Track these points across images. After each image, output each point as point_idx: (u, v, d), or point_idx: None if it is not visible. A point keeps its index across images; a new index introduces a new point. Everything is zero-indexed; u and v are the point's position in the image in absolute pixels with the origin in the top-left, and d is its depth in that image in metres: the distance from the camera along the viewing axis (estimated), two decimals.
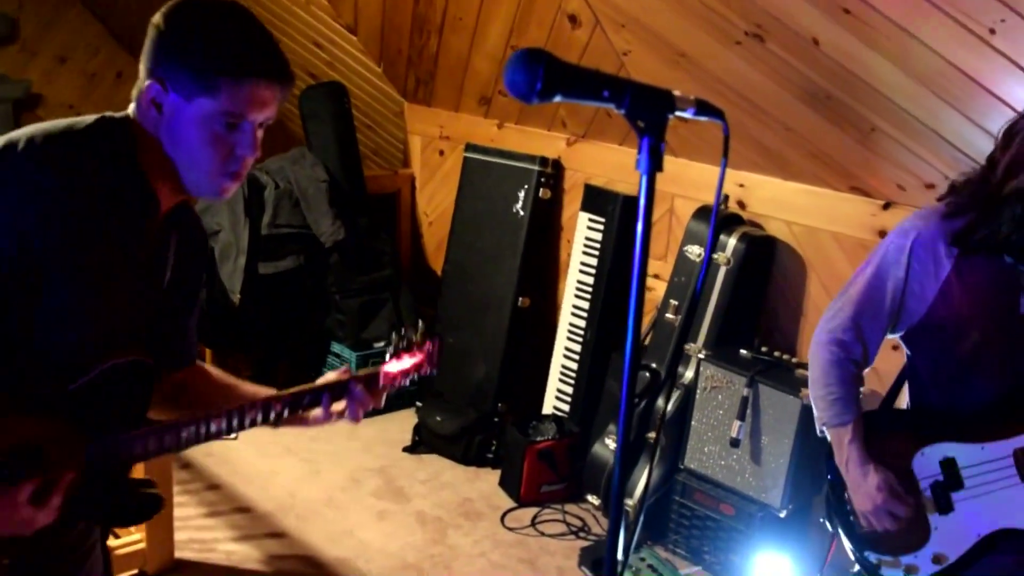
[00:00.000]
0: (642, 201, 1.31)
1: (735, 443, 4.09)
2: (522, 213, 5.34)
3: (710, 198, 4.63)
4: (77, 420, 1.66)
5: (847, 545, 2.47)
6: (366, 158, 6.55)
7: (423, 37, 5.54)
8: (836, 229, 4.29)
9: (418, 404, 5.56)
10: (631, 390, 1.32)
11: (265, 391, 1.96)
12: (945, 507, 2.37)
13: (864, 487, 2.35)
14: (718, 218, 4.49)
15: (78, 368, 1.67)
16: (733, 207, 4.66)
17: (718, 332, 4.42)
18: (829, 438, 2.47)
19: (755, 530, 4.06)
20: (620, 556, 1.27)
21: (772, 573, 3.89)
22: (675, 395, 4.45)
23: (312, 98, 5.94)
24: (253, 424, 1.86)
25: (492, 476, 5.11)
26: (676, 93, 1.34)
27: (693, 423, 4.29)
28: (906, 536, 2.38)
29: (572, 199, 5.43)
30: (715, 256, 4.45)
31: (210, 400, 1.92)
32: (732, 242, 4.42)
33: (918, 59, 3.25)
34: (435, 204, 6.34)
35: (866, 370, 2.54)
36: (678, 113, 1.32)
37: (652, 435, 4.49)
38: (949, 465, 2.37)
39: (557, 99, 1.27)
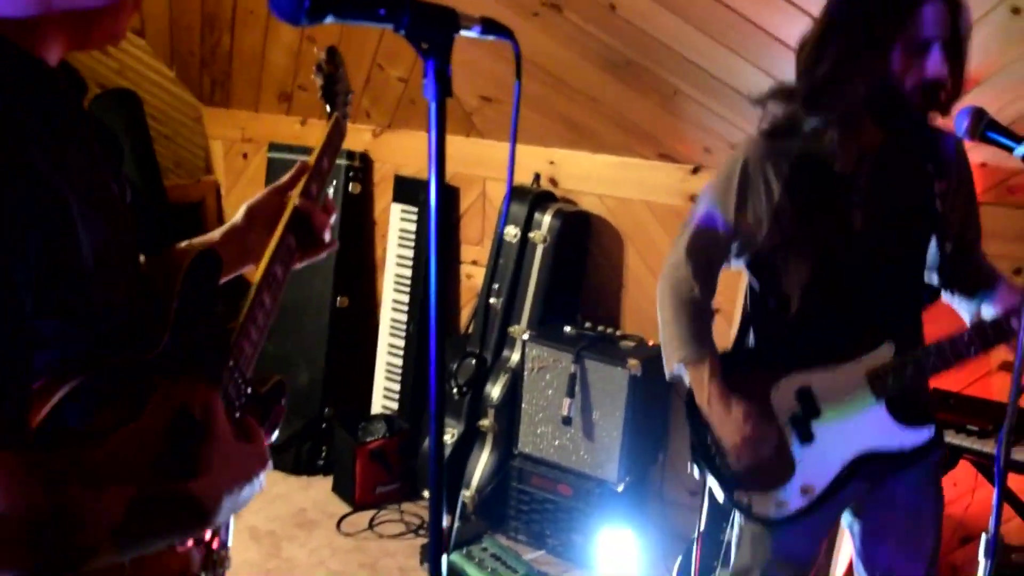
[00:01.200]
0: (433, 135, 1.19)
1: (567, 421, 4.04)
2: None
3: (520, 178, 4.56)
4: (180, 372, 1.40)
5: (716, 488, 2.43)
6: (168, 171, 6.23)
7: (214, 35, 5.31)
8: (648, 198, 4.29)
9: None
10: (440, 375, 1.21)
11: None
12: (806, 437, 2.35)
13: (729, 421, 2.31)
14: (531, 197, 4.45)
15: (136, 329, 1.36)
16: (546, 185, 4.61)
17: (541, 312, 4.38)
18: (687, 379, 2.40)
19: (594, 507, 4.02)
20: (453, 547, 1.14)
21: (615, 548, 3.85)
22: (503, 379, 4.37)
23: (101, 109, 5.61)
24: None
25: (325, 483, 4.94)
26: (462, 12, 1.22)
27: (524, 406, 4.22)
28: (773, 471, 2.36)
29: (383, 192, 5.30)
30: (531, 235, 4.40)
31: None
32: (547, 220, 4.38)
33: (711, 15, 3.26)
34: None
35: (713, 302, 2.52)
36: (463, 32, 1.21)
37: (484, 423, 4.39)
38: (805, 395, 2.35)
39: (329, 20, 1.13)
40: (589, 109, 4.14)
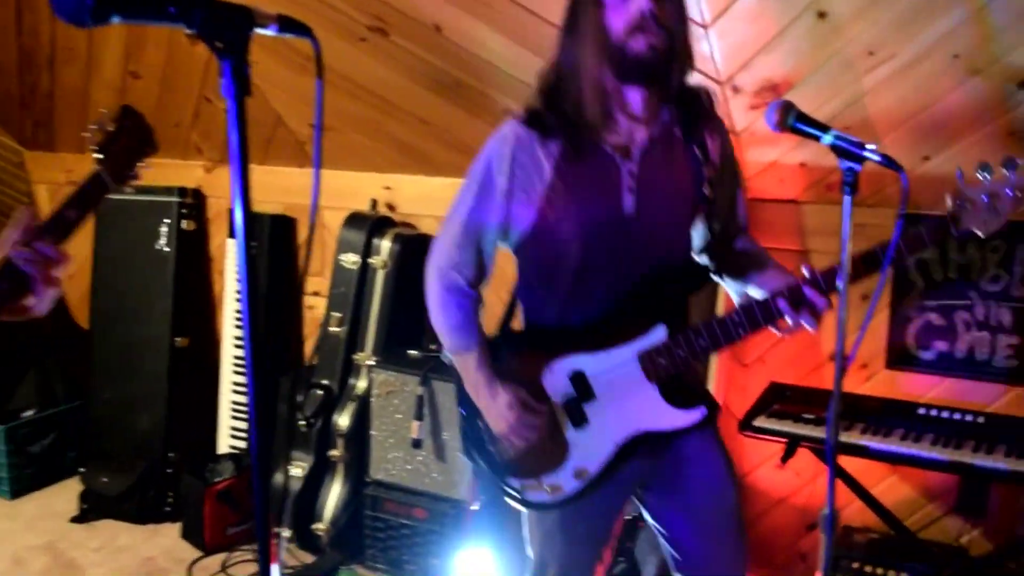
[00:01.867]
0: (234, 136, 1.16)
1: (417, 444, 4.00)
2: (167, 249, 5.04)
3: (357, 204, 4.53)
4: None
5: (490, 477, 2.43)
6: None
7: (33, 73, 5.12)
8: None
9: (81, 470, 5.11)
10: (262, 411, 1.18)
11: None
12: (579, 420, 2.34)
13: (495, 407, 2.31)
14: (370, 223, 4.43)
15: None
16: (383, 210, 4.59)
17: (385, 337, 4.35)
18: (458, 370, 2.41)
19: (450, 528, 3.97)
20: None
21: (473, 568, 3.81)
22: (351, 407, 4.31)
23: None
24: None
25: (173, 529, 4.77)
26: (257, 9, 1.20)
27: (373, 432, 4.16)
28: (545, 455, 2.35)
29: (218, 228, 5.20)
30: (371, 261, 4.37)
31: None
32: (386, 244, 4.36)
33: (533, 31, 3.27)
34: (73, 254, 5.81)
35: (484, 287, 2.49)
36: (259, 30, 1.19)
37: (335, 453, 4.31)
38: (578, 377, 2.33)
39: (116, 20, 1.10)
40: (422, 132, 4.13)
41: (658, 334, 2.30)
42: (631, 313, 2.30)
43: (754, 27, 3.21)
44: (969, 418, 3.23)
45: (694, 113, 2.29)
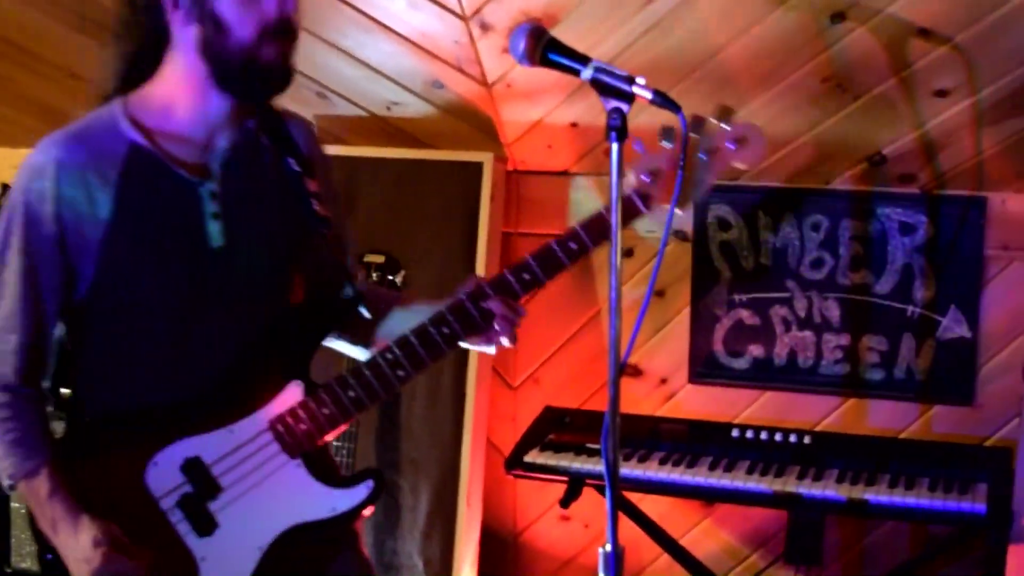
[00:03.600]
0: None
1: None
2: None
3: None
4: None
5: None
6: None
7: None
8: None
9: None
10: None
11: None
12: (205, 526, 2.04)
13: (78, 549, 1.96)
14: None
15: None
16: None
17: None
18: (27, 500, 2.05)
19: None
20: None
21: None
22: None
23: None
24: None
25: None
26: None
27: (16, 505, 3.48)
28: None
29: None
30: None
31: None
32: None
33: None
34: None
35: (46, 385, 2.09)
36: None
37: None
38: (194, 467, 2.03)
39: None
40: (72, 89, 3.48)
41: (292, 393, 2.06)
42: (250, 374, 2.07)
43: None
44: (794, 439, 2.99)
45: (279, 121, 2.10)
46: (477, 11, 2.97)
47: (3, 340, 2.00)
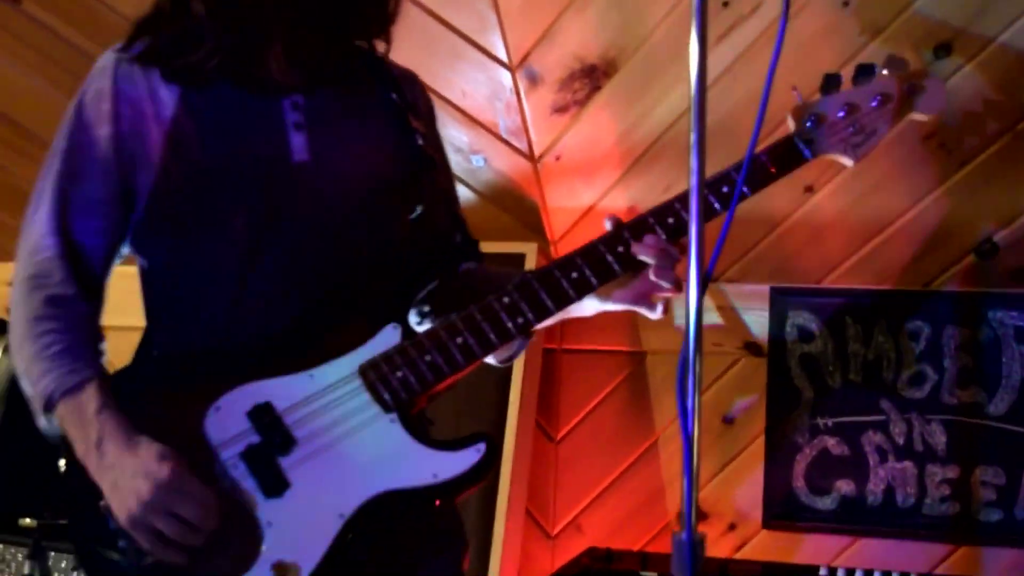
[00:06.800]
0: None
1: None
2: None
3: None
4: None
5: None
6: None
7: None
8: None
9: None
10: None
11: None
12: (275, 485, 1.83)
13: (135, 463, 1.72)
14: None
15: None
16: (3, 315, 3.47)
17: None
18: (62, 427, 1.80)
19: None
20: None
21: None
22: None
23: None
24: None
25: None
26: None
27: None
28: (219, 552, 1.76)
29: None
30: None
31: None
32: None
33: None
34: None
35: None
36: None
37: None
38: (263, 415, 1.84)
39: None
40: None
41: (388, 336, 1.91)
42: (337, 312, 1.93)
43: None
44: None
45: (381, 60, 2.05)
46: (524, 59, 2.81)
47: (44, 247, 1.87)
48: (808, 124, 1.93)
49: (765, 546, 3.01)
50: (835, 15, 2.60)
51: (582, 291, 1.86)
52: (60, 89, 3.12)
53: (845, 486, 2.93)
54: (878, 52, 2.57)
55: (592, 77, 2.82)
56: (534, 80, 2.86)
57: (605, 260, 1.84)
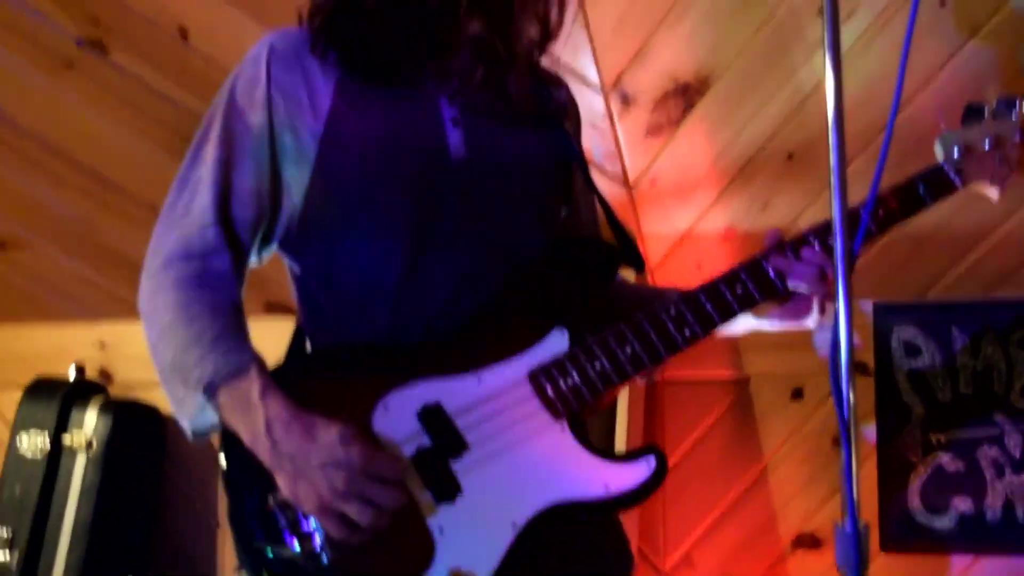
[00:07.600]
0: None
1: None
2: None
3: (48, 368, 3.35)
4: None
5: None
6: None
7: None
8: None
9: None
10: None
11: None
12: (447, 489, 1.78)
13: (318, 450, 1.67)
14: (64, 391, 3.22)
15: None
16: (95, 378, 3.39)
17: (84, 562, 3.16)
18: (223, 416, 1.75)
19: None
20: None
21: None
22: None
23: None
24: None
25: None
26: None
27: None
28: (390, 558, 1.74)
29: None
30: (66, 441, 3.15)
31: None
32: (91, 418, 3.18)
33: None
34: None
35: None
36: None
37: None
38: (434, 416, 1.79)
39: None
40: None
41: (556, 341, 1.86)
42: (503, 312, 1.89)
43: None
44: None
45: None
46: (617, 81, 2.75)
47: (202, 236, 1.81)
48: (956, 154, 1.93)
49: (882, 572, 2.86)
50: (933, 15, 2.56)
51: (745, 306, 1.84)
52: (149, 141, 3.08)
53: (962, 504, 2.84)
54: (978, 50, 2.61)
55: (686, 96, 2.79)
56: (627, 102, 2.82)
57: (768, 277, 1.83)
